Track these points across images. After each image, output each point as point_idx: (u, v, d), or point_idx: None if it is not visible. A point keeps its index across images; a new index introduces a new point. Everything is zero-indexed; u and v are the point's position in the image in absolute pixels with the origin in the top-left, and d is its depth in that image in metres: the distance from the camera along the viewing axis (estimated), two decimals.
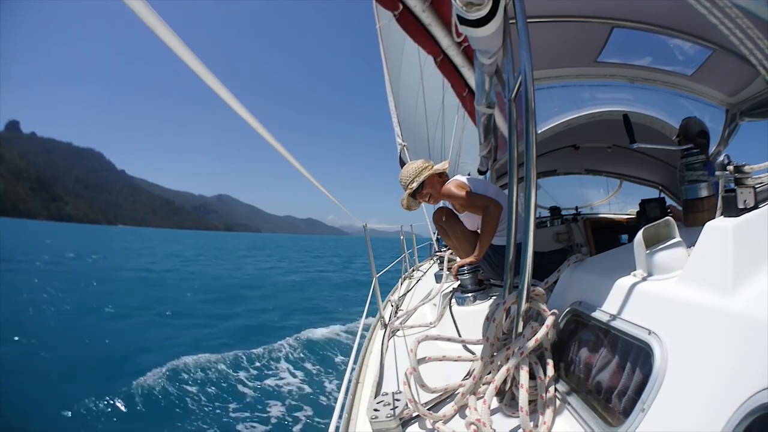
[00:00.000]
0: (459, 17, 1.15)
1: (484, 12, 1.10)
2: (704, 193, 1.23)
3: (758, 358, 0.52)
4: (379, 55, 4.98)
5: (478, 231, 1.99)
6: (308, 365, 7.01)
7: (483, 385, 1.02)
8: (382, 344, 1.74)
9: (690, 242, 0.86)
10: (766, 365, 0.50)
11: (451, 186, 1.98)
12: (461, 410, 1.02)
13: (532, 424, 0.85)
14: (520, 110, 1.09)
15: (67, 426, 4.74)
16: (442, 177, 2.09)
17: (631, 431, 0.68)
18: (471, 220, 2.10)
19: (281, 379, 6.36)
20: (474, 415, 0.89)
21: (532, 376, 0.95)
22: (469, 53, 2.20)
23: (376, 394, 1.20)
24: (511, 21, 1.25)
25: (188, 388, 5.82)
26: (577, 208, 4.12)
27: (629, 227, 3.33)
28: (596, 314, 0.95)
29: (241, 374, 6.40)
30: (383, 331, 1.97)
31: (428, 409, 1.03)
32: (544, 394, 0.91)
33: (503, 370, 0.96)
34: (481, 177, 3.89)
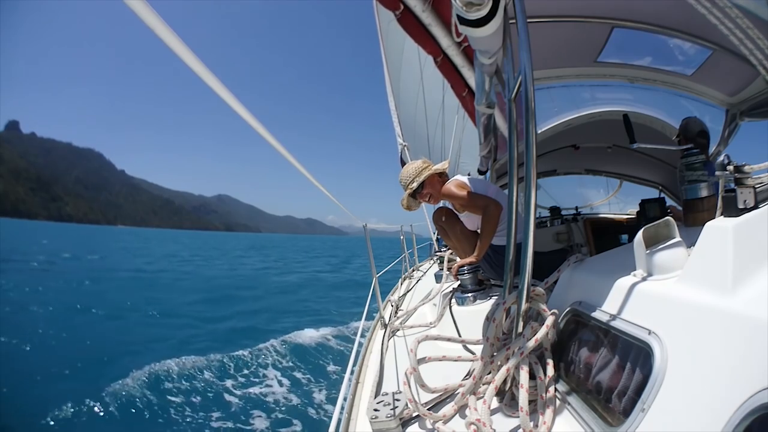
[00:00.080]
0: (459, 17, 1.15)
1: (484, 12, 1.10)
2: (704, 193, 1.23)
3: (758, 358, 0.52)
4: (380, 55, 4.98)
5: (478, 231, 1.99)
6: (296, 371, 6.56)
7: (483, 385, 1.02)
8: (382, 344, 1.74)
9: (690, 242, 0.86)
10: (766, 365, 0.50)
11: (451, 186, 1.98)
12: (461, 410, 1.02)
13: (532, 424, 0.85)
14: (520, 110, 1.09)
15: (44, 430, 4.56)
16: (442, 177, 2.09)
17: (631, 431, 0.68)
18: (471, 220, 2.10)
19: (268, 387, 5.96)
20: (474, 415, 0.89)
21: (532, 376, 0.95)
22: (469, 53, 2.20)
23: (376, 394, 1.20)
24: (511, 21, 1.25)
25: (169, 391, 5.56)
26: (577, 208, 4.12)
27: (629, 227, 3.33)
28: (596, 314, 0.95)
29: (227, 381, 6.04)
30: (383, 331, 1.97)
31: (428, 409, 1.03)
32: (544, 394, 0.91)
33: (503, 370, 0.96)
34: (481, 177, 3.89)
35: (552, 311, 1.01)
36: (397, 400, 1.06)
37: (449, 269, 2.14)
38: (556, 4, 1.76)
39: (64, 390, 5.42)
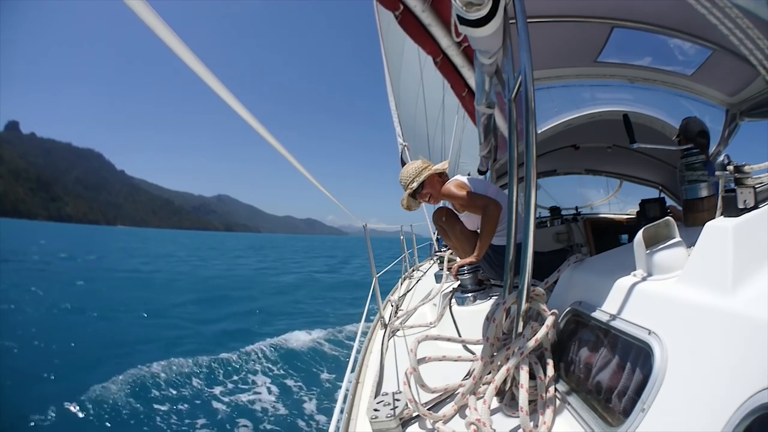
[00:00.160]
0: (459, 17, 1.15)
1: (484, 12, 1.10)
2: (704, 193, 1.23)
3: (758, 358, 0.52)
4: (380, 54, 4.98)
5: (478, 231, 1.99)
6: (287, 378, 6.23)
7: (483, 385, 1.02)
8: (382, 344, 1.74)
9: (690, 242, 0.86)
10: (766, 365, 0.50)
11: (450, 186, 1.98)
12: (461, 410, 1.02)
13: (532, 424, 0.85)
14: (520, 110, 1.09)
15: None
16: (442, 177, 2.09)
17: (631, 431, 0.68)
18: (471, 220, 2.10)
19: (256, 394, 5.66)
20: (474, 415, 0.89)
21: (532, 376, 0.95)
22: (469, 53, 2.20)
23: (376, 394, 1.20)
24: (511, 21, 1.25)
25: (154, 398, 5.33)
26: (577, 208, 4.12)
27: (629, 227, 3.33)
28: (596, 314, 0.95)
29: (216, 387, 5.79)
30: (383, 331, 1.97)
31: (428, 409, 1.03)
32: (544, 394, 0.91)
33: (503, 370, 0.96)
34: (481, 177, 3.89)
35: (552, 311, 1.01)
36: (397, 400, 1.06)
37: (449, 269, 2.14)
38: (556, 4, 1.76)
39: (46, 393, 5.31)
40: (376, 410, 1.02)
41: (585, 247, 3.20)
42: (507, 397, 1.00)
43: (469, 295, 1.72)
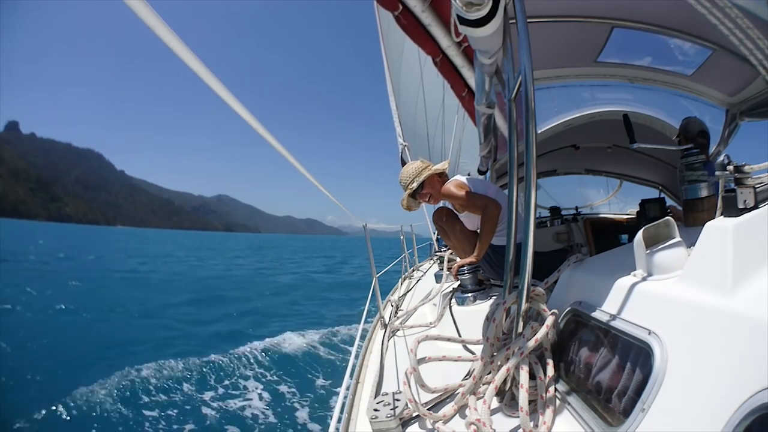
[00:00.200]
0: (459, 17, 1.15)
1: (484, 12, 1.10)
2: (704, 193, 1.23)
3: (758, 358, 0.52)
4: (380, 54, 4.98)
5: (478, 231, 1.99)
6: (281, 383, 6.04)
7: (483, 385, 1.02)
8: (382, 344, 1.74)
9: (690, 242, 0.86)
10: (766, 365, 0.50)
11: (450, 186, 1.98)
12: (461, 410, 1.02)
13: (532, 424, 0.85)
14: (520, 110, 1.09)
15: None
16: (442, 177, 2.09)
17: (631, 431, 0.68)
18: (471, 220, 2.10)
19: (248, 400, 5.46)
20: (474, 415, 0.89)
21: (532, 376, 0.95)
22: (469, 53, 2.20)
23: (376, 394, 1.20)
24: (511, 21, 1.25)
25: (142, 402, 5.21)
26: (577, 208, 4.12)
27: (629, 227, 3.33)
28: (596, 314, 0.95)
29: (206, 392, 5.61)
30: (383, 331, 1.97)
31: (428, 409, 1.03)
32: (544, 394, 0.91)
33: (503, 370, 0.96)
34: (481, 177, 3.89)
35: (552, 311, 1.01)
36: (397, 400, 1.06)
37: (449, 269, 2.14)
38: (556, 4, 1.76)
39: (32, 396, 5.22)
40: (376, 410, 1.02)
41: (585, 247, 3.20)
42: (507, 397, 1.00)
43: (469, 295, 1.72)
